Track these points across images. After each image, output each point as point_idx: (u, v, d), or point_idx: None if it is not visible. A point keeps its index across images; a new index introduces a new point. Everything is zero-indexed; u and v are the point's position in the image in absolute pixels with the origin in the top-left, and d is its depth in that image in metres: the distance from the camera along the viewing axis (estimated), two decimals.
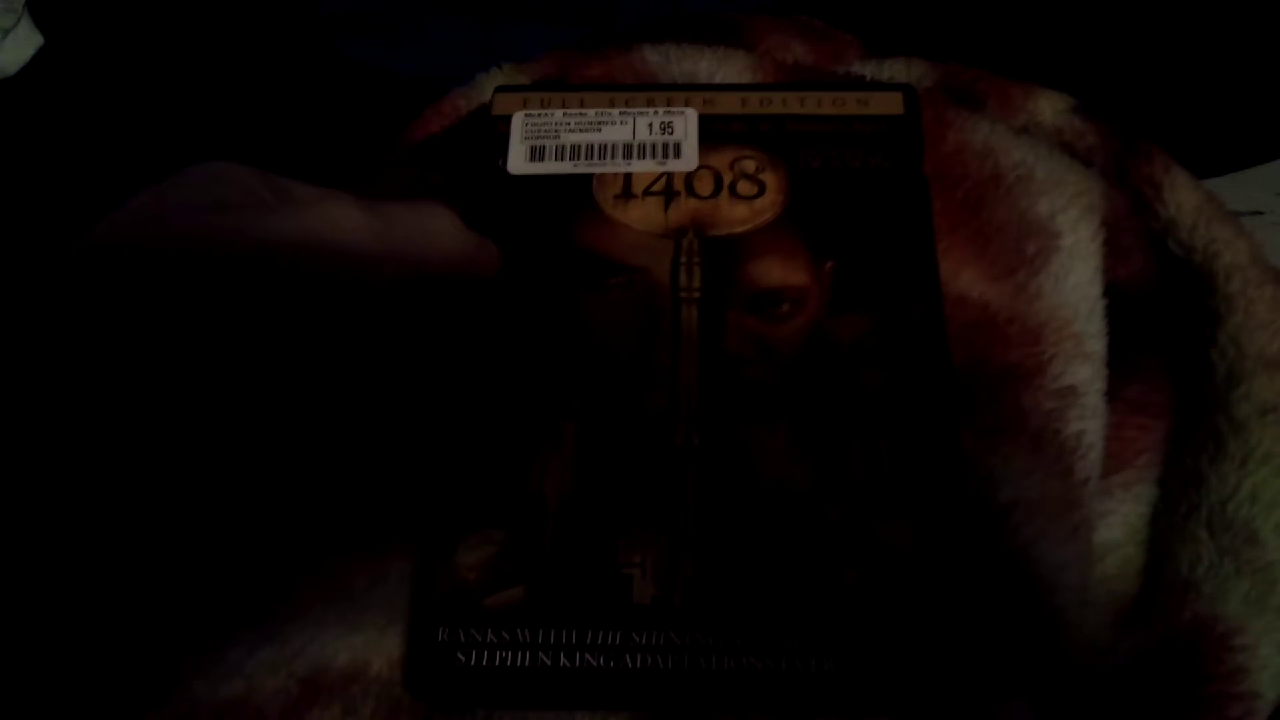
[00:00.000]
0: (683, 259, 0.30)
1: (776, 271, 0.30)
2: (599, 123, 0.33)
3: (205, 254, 0.22)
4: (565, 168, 0.32)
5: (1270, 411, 0.29)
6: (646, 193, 0.31)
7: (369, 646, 0.25)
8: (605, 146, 0.32)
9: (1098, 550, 0.28)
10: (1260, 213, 0.45)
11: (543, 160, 0.32)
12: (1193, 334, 0.31)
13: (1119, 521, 0.29)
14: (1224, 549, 0.28)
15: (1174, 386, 0.31)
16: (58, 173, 0.44)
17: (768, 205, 0.31)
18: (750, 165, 0.32)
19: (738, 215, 0.31)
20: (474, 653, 0.25)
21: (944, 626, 0.25)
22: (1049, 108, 0.34)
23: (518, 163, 0.32)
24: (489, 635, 0.25)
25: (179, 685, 0.25)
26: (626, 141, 0.32)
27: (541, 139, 0.33)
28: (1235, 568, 0.27)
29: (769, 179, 0.31)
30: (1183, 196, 0.32)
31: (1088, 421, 0.27)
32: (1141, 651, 0.27)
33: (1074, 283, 0.29)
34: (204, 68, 0.46)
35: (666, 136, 0.32)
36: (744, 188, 0.31)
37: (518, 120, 0.33)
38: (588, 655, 0.25)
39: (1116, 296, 0.30)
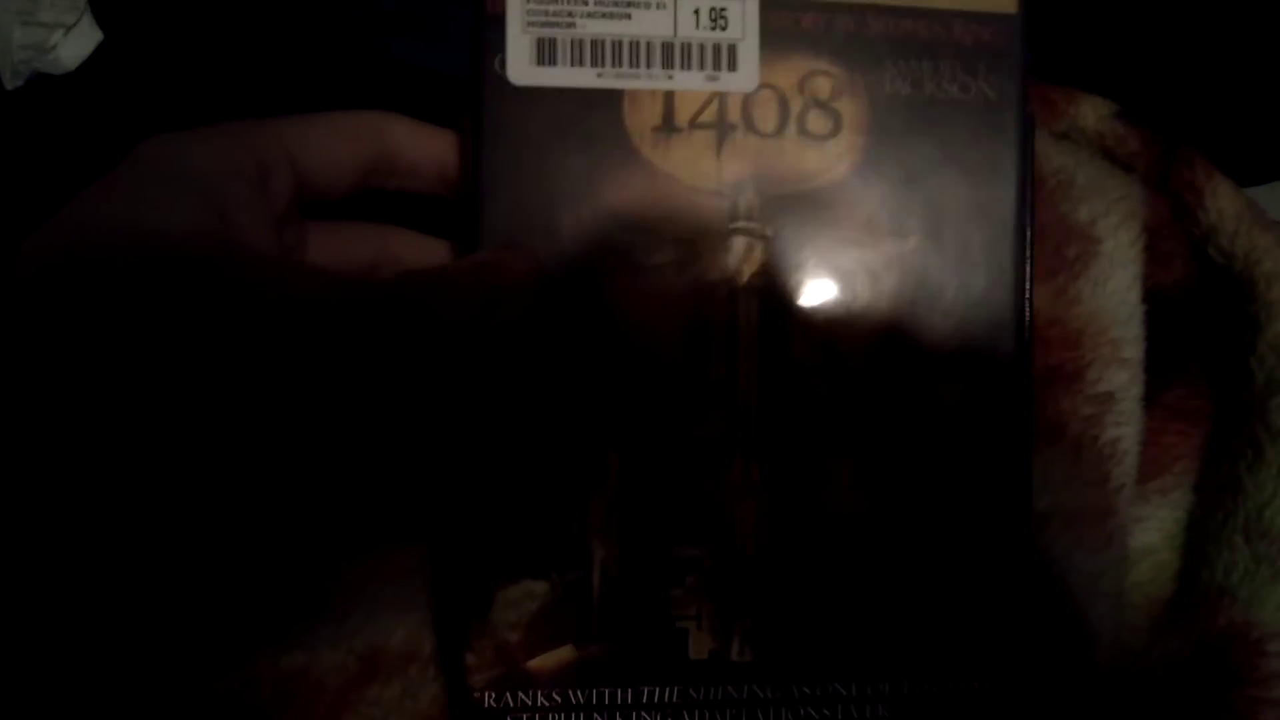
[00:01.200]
0: (742, 229, 0.25)
1: (853, 249, 0.25)
2: (627, 5, 0.24)
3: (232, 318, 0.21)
4: (586, 78, 0.24)
5: None
6: (694, 125, 0.25)
7: (423, 625, 0.26)
8: (638, 45, 0.24)
9: (1134, 555, 0.28)
10: None
11: (554, 64, 0.24)
12: (1233, 341, 0.31)
13: (1155, 527, 0.29)
14: (1260, 556, 0.28)
15: (1213, 393, 0.31)
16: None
17: (844, 151, 0.25)
18: (825, 87, 0.25)
19: (807, 164, 0.25)
20: (524, 718, 0.24)
21: (1003, 687, 0.25)
22: (1091, 113, 0.34)
23: (521, 66, 0.24)
24: (538, 699, 0.24)
25: (243, 657, 0.25)
26: (666, 38, 0.24)
27: (551, 27, 0.24)
28: (1271, 574, 0.27)
29: (846, 109, 0.25)
30: (1224, 203, 0.32)
31: (1124, 428, 0.27)
32: (1176, 656, 0.27)
33: (1113, 288, 0.29)
34: (254, 66, 0.47)
35: (719, 34, 0.24)
36: (815, 123, 0.25)
37: (514, 1, 0.24)
38: (644, 715, 0.24)
39: (1157, 302, 0.30)
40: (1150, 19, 0.44)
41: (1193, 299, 0.31)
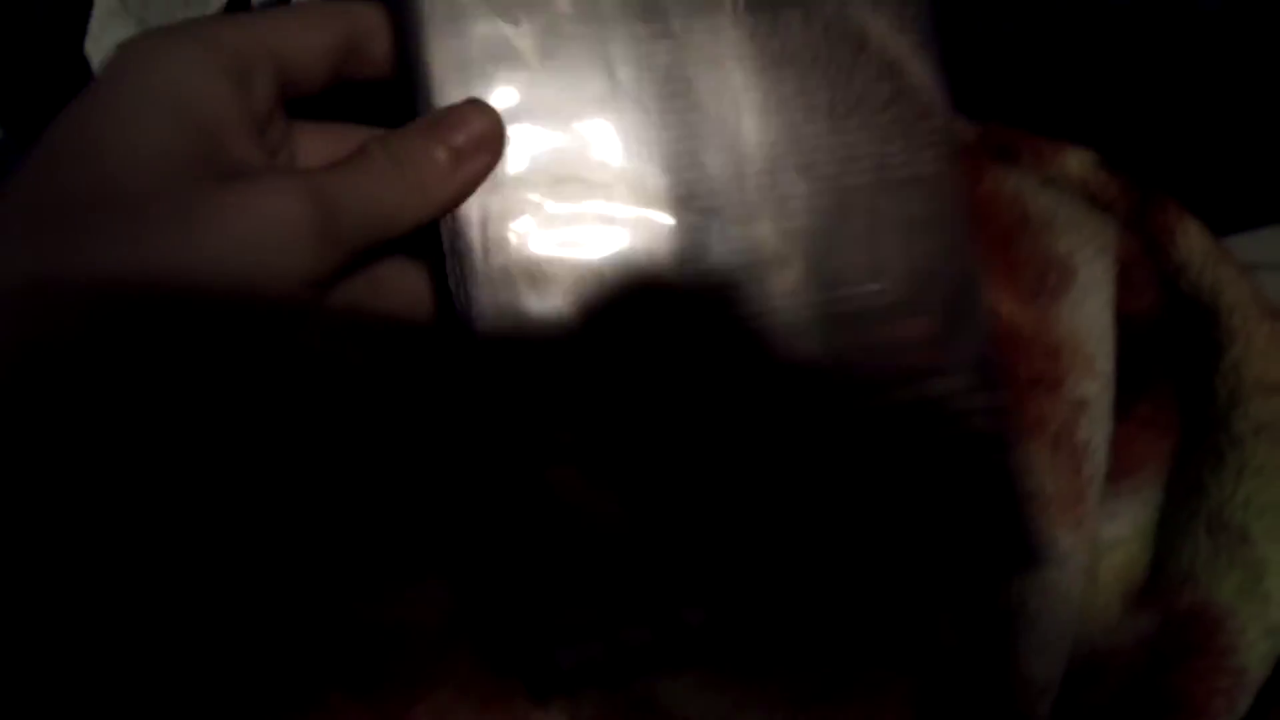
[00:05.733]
0: None
1: None
2: None
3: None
4: None
5: (1264, 429, 0.33)
6: None
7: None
8: None
9: (1109, 544, 0.32)
10: None
11: None
12: (1199, 363, 0.35)
13: (1128, 520, 0.33)
14: (1219, 546, 0.32)
15: (1181, 408, 0.35)
16: None
17: None
18: None
19: None
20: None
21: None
22: (1076, 163, 0.39)
23: None
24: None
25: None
26: None
27: None
28: (1228, 562, 0.31)
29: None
30: (1193, 242, 0.37)
31: (1095, 429, 0.32)
32: (1145, 630, 0.31)
33: (1087, 311, 0.33)
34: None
35: None
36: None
37: None
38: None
39: (1130, 327, 0.35)
40: (1130, 78, 0.48)
41: (1161, 325, 0.36)
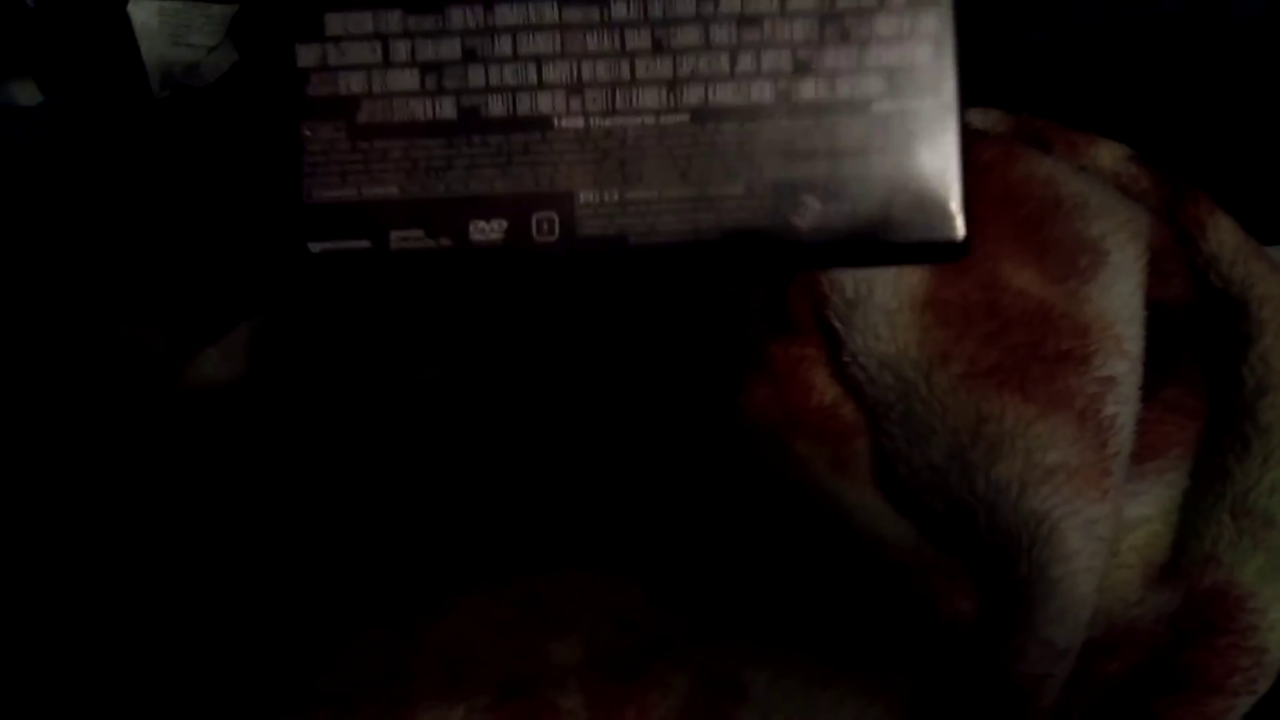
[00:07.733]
0: None
1: None
2: None
3: None
4: None
5: None
6: None
7: None
8: None
9: (1132, 523, 0.32)
10: None
11: None
12: (1227, 352, 0.35)
13: (1151, 500, 0.33)
14: (1243, 530, 0.32)
15: (1209, 396, 0.35)
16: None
17: None
18: None
19: None
20: None
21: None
22: (1108, 154, 0.39)
23: None
24: None
25: None
26: None
27: None
28: (1252, 545, 0.31)
29: None
30: (1224, 236, 0.37)
31: (1122, 407, 0.32)
32: (1166, 607, 0.31)
33: (1118, 293, 0.33)
34: None
35: None
36: None
37: None
38: None
39: (1159, 313, 0.35)
40: (1162, 93, 0.49)
41: (1192, 313, 0.36)
